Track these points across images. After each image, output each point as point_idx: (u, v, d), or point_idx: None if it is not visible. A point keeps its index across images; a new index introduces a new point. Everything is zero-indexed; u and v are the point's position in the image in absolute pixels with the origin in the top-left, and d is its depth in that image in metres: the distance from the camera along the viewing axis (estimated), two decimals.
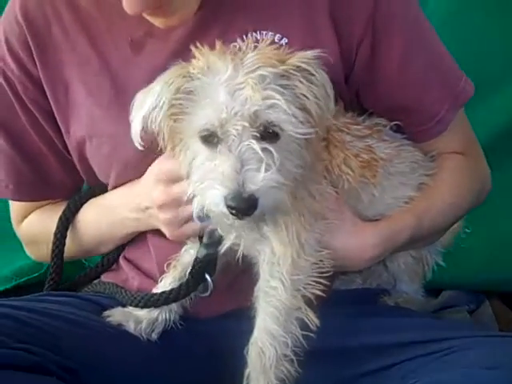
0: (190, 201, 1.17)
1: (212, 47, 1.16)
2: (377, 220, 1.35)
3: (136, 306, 1.35)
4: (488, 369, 1.09)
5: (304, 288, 1.21)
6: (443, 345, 1.20)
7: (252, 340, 1.22)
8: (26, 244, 1.63)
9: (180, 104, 1.12)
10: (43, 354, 1.16)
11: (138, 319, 1.34)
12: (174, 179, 1.26)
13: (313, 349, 1.21)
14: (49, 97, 1.42)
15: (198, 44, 1.16)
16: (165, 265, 1.36)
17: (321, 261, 1.23)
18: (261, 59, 1.10)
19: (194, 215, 1.16)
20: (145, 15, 1.33)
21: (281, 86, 1.10)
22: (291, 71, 1.11)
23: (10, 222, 1.63)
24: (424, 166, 1.40)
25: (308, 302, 1.22)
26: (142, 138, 1.15)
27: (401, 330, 1.30)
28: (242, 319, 1.27)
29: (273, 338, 1.21)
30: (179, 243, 1.36)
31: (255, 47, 1.15)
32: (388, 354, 1.26)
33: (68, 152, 1.47)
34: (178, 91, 1.12)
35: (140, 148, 1.16)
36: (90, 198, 1.49)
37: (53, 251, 1.48)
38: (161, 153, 1.26)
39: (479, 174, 1.50)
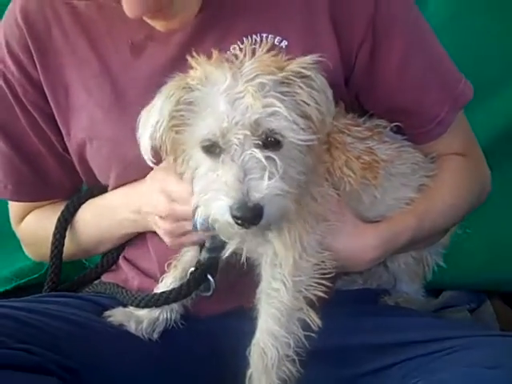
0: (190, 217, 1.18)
1: (210, 54, 1.16)
2: (378, 221, 1.35)
3: (137, 305, 1.35)
4: (489, 368, 1.09)
5: (306, 289, 1.22)
6: (444, 344, 1.20)
7: (254, 341, 1.23)
8: (25, 244, 1.63)
9: (181, 115, 1.12)
10: (43, 355, 1.16)
11: (138, 319, 1.35)
12: (178, 199, 1.27)
13: (314, 348, 1.22)
14: (49, 99, 1.42)
15: (194, 53, 1.16)
16: (165, 264, 1.36)
17: (322, 262, 1.23)
18: (259, 67, 1.10)
19: (198, 225, 1.17)
20: (145, 18, 1.33)
21: (281, 93, 1.10)
22: (291, 77, 1.11)
23: (10, 223, 1.63)
24: (424, 167, 1.40)
25: (310, 303, 1.22)
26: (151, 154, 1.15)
27: (401, 329, 1.31)
28: (242, 318, 1.27)
29: (275, 339, 1.21)
30: None
31: (253, 54, 1.15)
32: (389, 353, 1.26)
33: (68, 153, 1.47)
34: (178, 103, 1.12)
35: (151, 165, 1.16)
36: (89, 199, 1.49)
37: (52, 252, 1.48)
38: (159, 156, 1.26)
39: (479, 175, 1.50)
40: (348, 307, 1.38)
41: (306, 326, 1.21)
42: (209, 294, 1.31)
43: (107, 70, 1.37)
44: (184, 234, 1.30)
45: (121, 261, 1.52)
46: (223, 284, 1.32)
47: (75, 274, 1.57)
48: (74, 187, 1.55)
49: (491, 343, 1.19)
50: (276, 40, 1.31)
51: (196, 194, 1.14)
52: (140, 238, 1.46)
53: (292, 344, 1.21)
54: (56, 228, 1.47)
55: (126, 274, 1.49)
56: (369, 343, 1.30)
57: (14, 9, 1.41)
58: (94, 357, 1.26)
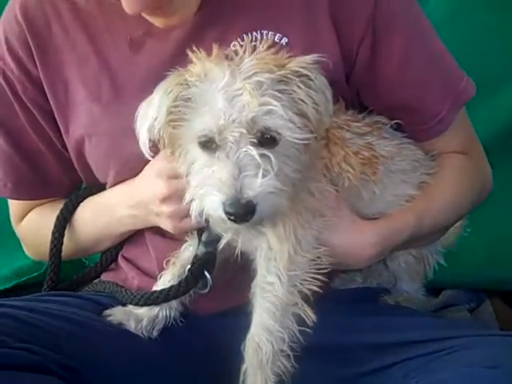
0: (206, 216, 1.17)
1: (210, 49, 1.16)
2: (377, 218, 1.35)
3: (136, 304, 1.35)
4: (489, 368, 1.09)
5: (301, 284, 1.22)
6: (444, 344, 1.20)
7: (249, 335, 1.23)
8: (24, 243, 1.63)
9: (179, 111, 1.13)
10: (44, 354, 1.16)
11: (138, 317, 1.35)
12: (175, 175, 1.26)
13: (313, 348, 1.21)
14: (48, 96, 1.42)
15: (195, 48, 1.17)
16: (164, 262, 1.36)
17: (318, 258, 1.23)
18: (258, 65, 1.11)
19: (193, 218, 1.16)
20: (144, 15, 1.33)
21: (278, 91, 1.10)
22: (289, 76, 1.11)
23: (10, 222, 1.63)
24: (425, 164, 1.40)
25: (305, 298, 1.22)
26: (150, 148, 1.16)
27: (401, 329, 1.30)
28: (240, 316, 1.27)
29: (269, 334, 1.21)
30: (178, 241, 1.36)
31: (253, 51, 1.15)
32: (389, 353, 1.26)
33: (67, 151, 1.47)
34: (176, 99, 1.12)
35: (149, 158, 1.17)
36: (88, 197, 1.49)
37: (51, 250, 1.48)
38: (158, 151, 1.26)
39: (480, 173, 1.50)
40: (348, 306, 1.38)
41: (300, 322, 1.21)
42: (206, 291, 1.32)
43: (106, 65, 1.37)
44: (188, 214, 1.28)
45: (120, 260, 1.52)
46: (221, 282, 1.33)
47: (74, 273, 1.57)
48: (74, 185, 1.55)
49: (491, 343, 1.19)
50: (276, 37, 1.31)
51: (191, 188, 1.15)
52: (139, 237, 1.46)
53: (287, 339, 1.21)
54: (55, 227, 1.47)
55: (125, 274, 1.49)
56: (369, 342, 1.30)
57: (13, 5, 1.41)
58: (94, 356, 1.25)
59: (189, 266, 1.30)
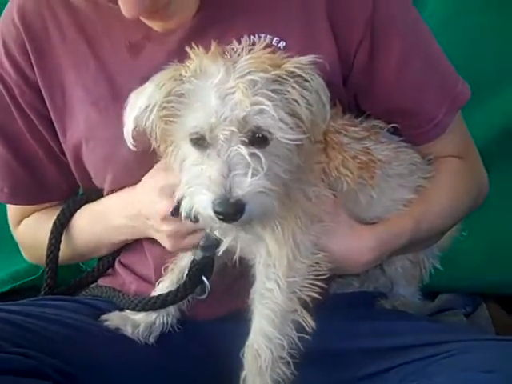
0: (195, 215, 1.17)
1: (208, 48, 1.16)
2: (374, 223, 1.35)
3: (133, 309, 1.35)
4: (485, 372, 1.09)
5: (300, 290, 1.22)
6: (441, 348, 1.20)
7: (248, 342, 1.23)
8: (22, 247, 1.63)
9: (172, 106, 1.12)
10: (40, 359, 1.16)
11: (135, 323, 1.34)
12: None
13: (310, 352, 1.21)
14: (46, 100, 1.41)
15: (194, 45, 1.17)
16: (162, 269, 1.36)
17: (317, 263, 1.23)
18: (253, 64, 1.10)
19: (183, 216, 1.16)
20: (142, 19, 1.33)
21: (272, 90, 1.09)
22: (284, 76, 1.11)
23: (7, 226, 1.63)
24: (422, 168, 1.40)
25: (304, 305, 1.22)
26: (134, 138, 1.15)
27: (398, 333, 1.31)
28: (239, 322, 1.27)
29: (268, 341, 1.21)
30: None
31: (250, 50, 1.15)
32: (385, 357, 1.26)
33: (64, 156, 1.46)
34: (169, 94, 1.12)
35: (132, 148, 1.16)
36: (85, 203, 1.49)
37: (47, 256, 1.48)
38: (157, 157, 1.26)
39: (476, 177, 1.50)
40: (345, 310, 1.38)
41: (299, 328, 1.21)
42: (204, 296, 1.31)
43: (104, 70, 1.37)
44: (188, 234, 1.29)
45: (117, 266, 1.52)
46: (219, 287, 1.32)
47: (72, 278, 1.56)
48: (71, 190, 1.54)
49: (487, 347, 1.19)
50: (274, 41, 1.31)
51: (182, 185, 1.14)
52: (136, 243, 1.45)
53: (286, 346, 1.21)
54: (51, 233, 1.47)
55: (123, 279, 1.49)
56: (366, 347, 1.30)
57: (11, 8, 1.41)
58: (90, 360, 1.25)
59: (187, 271, 1.30)
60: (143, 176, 1.35)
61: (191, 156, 1.13)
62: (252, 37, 1.30)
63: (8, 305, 1.33)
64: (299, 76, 1.11)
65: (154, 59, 1.34)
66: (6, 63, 1.41)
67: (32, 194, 1.52)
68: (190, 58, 1.16)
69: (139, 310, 1.34)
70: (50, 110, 1.42)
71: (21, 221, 1.58)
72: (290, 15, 1.33)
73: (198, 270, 1.29)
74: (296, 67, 1.11)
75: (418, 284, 1.51)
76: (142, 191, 1.35)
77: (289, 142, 1.11)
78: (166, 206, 1.27)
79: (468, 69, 1.48)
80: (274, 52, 1.16)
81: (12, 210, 1.59)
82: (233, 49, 1.16)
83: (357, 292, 1.48)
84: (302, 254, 1.22)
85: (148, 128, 1.14)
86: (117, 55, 1.37)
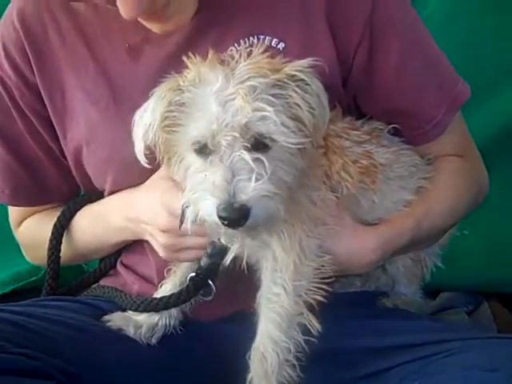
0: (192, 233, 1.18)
1: (205, 55, 1.16)
2: (376, 224, 1.35)
3: (136, 310, 1.35)
4: (487, 371, 1.09)
5: (306, 294, 1.22)
6: (442, 347, 1.21)
7: (254, 345, 1.23)
8: (24, 247, 1.63)
9: (173, 116, 1.13)
10: (43, 359, 1.16)
11: (137, 324, 1.35)
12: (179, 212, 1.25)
13: (313, 351, 1.21)
14: (46, 102, 1.42)
15: (191, 54, 1.17)
16: (164, 270, 1.36)
17: (322, 266, 1.23)
18: (253, 69, 1.10)
19: (188, 225, 1.15)
20: (141, 20, 1.33)
21: (273, 95, 1.09)
22: (285, 80, 1.11)
23: (7, 227, 1.63)
24: (422, 169, 1.40)
25: (309, 308, 1.22)
26: (146, 155, 1.16)
27: (400, 332, 1.31)
28: (242, 323, 1.27)
29: (275, 344, 1.21)
30: None
31: (248, 55, 1.15)
32: (387, 356, 1.27)
33: (65, 157, 1.47)
34: (169, 104, 1.12)
35: (146, 166, 1.16)
36: (86, 205, 1.49)
37: (49, 257, 1.48)
38: (156, 159, 1.26)
39: (477, 176, 1.50)
40: (346, 310, 1.38)
41: (305, 331, 1.22)
42: (210, 298, 1.31)
43: (104, 72, 1.37)
44: (182, 249, 1.30)
45: (119, 267, 1.52)
46: (222, 289, 1.32)
47: (73, 278, 1.57)
48: (72, 192, 1.55)
49: (489, 346, 1.19)
50: (273, 42, 1.31)
51: (186, 193, 1.14)
52: (138, 244, 1.46)
53: (292, 349, 1.21)
54: (52, 234, 1.47)
55: (125, 279, 1.49)
56: (367, 346, 1.31)
57: (11, 11, 1.41)
58: (93, 361, 1.25)
59: (192, 275, 1.30)
60: (144, 177, 1.35)
61: (195, 164, 1.13)
62: (251, 38, 1.31)
63: (10, 306, 1.33)
64: (300, 80, 1.11)
65: (153, 61, 1.35)
66: (6, 66, 1.41)
67: (33, 195, 1.52)
68: (186, 66, 1.15)
69: (141, 311, 1.34)
70: (50, 112, 1.42)
71: (22, 222, 1.59)
72: (289, 16, 1.33)
73: (204, 275, 1.29)
74: (297, 70, 1.11)
75: (419, 283, 1.52)
76: (144, 198, 1.35)
77: (291, 145, 1.11)
78: (166, 221, 1.28)
79: (467, 69, 1.48)
80: (272, 56, 1.16)
81: (13, 212, 1.60)
82: (231, 55, 1.16)
83: (358, 291, 1.48)
84: (307, 258, 1.22)
85: (153, 141, 1.15)
86: (116, 58, 1.37)
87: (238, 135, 1.07)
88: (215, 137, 1.08)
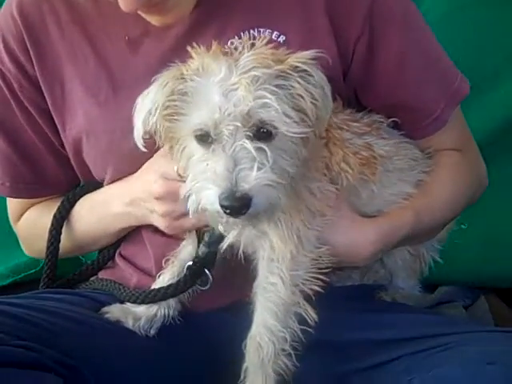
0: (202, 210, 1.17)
1: (209, 46, 1.16)
2: (376, 216, 1.35)
3: (134, 302, 1.35)
4: (486, 364, 1.10)
5: (302, 283, 1.22)
6: (440, 340, 1.21)
7: (250, 334, 1.23)
8: (22, 240, 1.64)
9: (175, 105, 1.13)
10: (41, 351, 1.15)
11: (136, 316, 1.35)
12: (173, 176, 1.26)
13: (311, 344, 1.22)
14: (45, 94, 1.42)
15: (195, 44, 1.17)
16: (162, 261, 1.36)
17: (320, 257, 1.23)
18: (256, 60, 1.11)
19: (191, 214, 1.16)
20: (141, 13, 1.33)
21: (276, 86, 1.10)
22: (288, 71, 1.11)
23: (6, 220, 1.63)
24: (422, 163, 1.41)
25: (306, 298, 1.22)
26: (144, 140, 1.16)
27: (398, 325, 1.31)
28: (239, 313, 1.28)
29: (271, 333, 1.21)
30: (176, 239, 1.37)
31: (252, 46, 1.15)
32: (385, 349, 1.27)
33: (64, 149, 1.47)
34: (172, 93, 1.12)
35: (143, 150, 1.17)
36: (85, 195, 1.49)
37: (47, 248, 1.48)
38: (157, 149, 1.26)
39: (476, 170, 1.51)
40: (345, 303, 1.39)
41: (302, 321, 1.22)
42: (206, 287, 1.32)
43: (104, 65, 1.38)
44: (183, 215, 1.30)
45: (117, 258, 1.52)
46: (220, 279, 1.33)
47: (71, 271, 1.56)
48: (71, 184, 1.55)
49: (487, 339, 1.20)
50: (274, 35, 1.31)
51: (188, 182, 1.15)
52: (136, 235, 1.46)
53: (288, 338, 1.22)
54: (52, 225, 1.48)
55: (123, 272, 1.49)
56: (365, 339, 1.31)
57: (10, 3, 1.41)
58: (92, 353, 1.25)
59: (189, 264, 1.31)
60: None
61: (197, 153, 1.13)
62: (251, 31, 1.31)
63: (9, 298, 1.33)
64: (303, 71, 1.12)
65: (152, 54, 1.35)
66: (5, 58, 1.41)
67: (33, 187, 1.53)
68: (190, 56, 1.16)
69: (140, 303, 1.35)
70: (49, 103, 1.42)
71: (21, 215, 1.59)
72: (290, 10, 1.33)
73: (201, 264, 1.30)
74: (300, 62, 1.12)
75: (417, 277, 1.52)
76: (140, 174, 1.36)
77: (294, 135, 1.11)
78: (161, 186, 1.28)
79: (465, 63, 1.48)
80: (276, 48, 1.16)
81: (12, 205, 1.60)
82: (234, 46, 1.16)
83: (356, 285, 1.49)
84: (305, 248, 1.22)
85: (153, 127, 1.15)
86: (116, 50, 1.37)
87: (239, 124, 1.07)
88: (217, 126, 1.08)
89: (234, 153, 1.07)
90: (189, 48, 1.16)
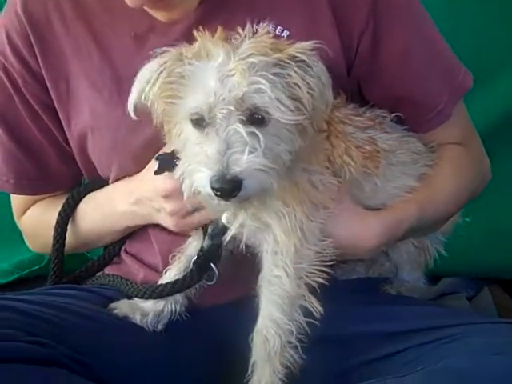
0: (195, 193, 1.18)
1: (214, 32, 1.16)
2: (379, 209, 1.36)
3: (141, 297, 1.36)
4: (492, 355, 1.10)
5: (307, 276, 1.23)
6: (447, 332, 1.22)
7: (256, 328, 1.24)
8: (26, 236, 1.64)
9: (172, 88, 1.14)
10: (53, 347, 1.16)
11: (144, 311, 1.36)
12: None
13: (317, 337, 1.22)
14: (50, 90, 1.42)
15: (201, 29, 1.17)
16: (169, 257, 1.37)
17: (324, 250, 1.24)
18: (255, 47, 1.11)
19: (185, 196, 1.17)
20: (146, 9, 1.34)
21: (273, 74, 1.10)
22: (286, 60, 1.12)
23: (10, 216, 1.63)
24: (425, 156, 1.41)
25: (311, 290, 1.23)
26: (136, 110, 1.17)
27: (404, 318, 1.32)
28: (245, 307, 1.28)
29: (277, 326, 1.22)
30: (182, 236, 1.37)
31: (254, 35, 1.15)
32: (391, 341, 1.28)
33: (69, 146, 1.47)
34: (170, 74, 1.13)
35: (134, 117, 1.17)
36: (90, 192, 1.50)
37: (53, 246, 1.49)
38: (163, 145, 1.27)
39: (478, 163, 1.52)
40: (350, 296, 1.39)
41: (307, 313, 1.22)
42: (212, 282, 1.33)
43: (109, 62, 1.38)
44: (190, 212, 1.30)
45: (123, 255, 1.53)
46: (225, 274, 1.33)
47: (77, 267, 1.57)
48: (76, 180, 1.55)
49: (493, 330, 1.21)
50: (278, 30, 1.31)
51: (182, 165, 1.16)
52: (142, 232, 1.46)
53: (294, 331, 1.22)
54: (57, 222, 1.48)
55: (129, 267, 1.50)
56: (371, 332, 1.32)
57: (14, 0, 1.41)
58: (102, 348, 1.26)
59: (194, 258, 1.31)
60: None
61: (192, 136, 1.14)
62: (256, 26, 1.31)
63: (18, 294, 1.34)
64: (302, 61, 1.12)
65: None
66: (10, 54, 1.41)
67: (37, 184, 1.53)
68: (196, 41, 1.16)
69: (147, 298, 1.35)
70: (54, 99, 1.42)
71: (25, 211, 1.59)
72: (293, 5, 1.33)
73: (206, 257, 1.30)
74: (298, 52, 1.12)
75: (422, 269, 1.52)
76: (145, 173, 1.36)
77: (288, 122, 1.11)
78: (168, 184, 1.28)
79: (468, 55, 1.49)
80: (277, 38, 1.17)
81: (16, 201, 1.60)
82: (238, 34, 1.16)
83: (361, 278, 1.49)
84: (309, 241, 1.23)
85: (151, 107, 1.16)
86: (121, 46, 1.37)
87: (233, 108, 1.08)
88: (212, 110, 1.09)
89: (227, 136, 1.08)
90: (195, 32, 1.17)
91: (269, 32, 1.17)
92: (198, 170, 1.10)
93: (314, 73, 1.12)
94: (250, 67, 1.09)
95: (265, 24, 1.29)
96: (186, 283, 1.32)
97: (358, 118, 1.31)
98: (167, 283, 1.33)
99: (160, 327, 1.36)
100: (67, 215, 1.48)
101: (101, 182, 1.48)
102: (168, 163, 1.25)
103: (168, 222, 1.35)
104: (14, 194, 1.58)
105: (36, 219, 1.58)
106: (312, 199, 1.24)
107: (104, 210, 1.46)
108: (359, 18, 1.32)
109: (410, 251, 1.47)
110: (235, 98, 1.08)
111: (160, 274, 1.38)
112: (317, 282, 1.23)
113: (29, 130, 1.47)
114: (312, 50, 1.13)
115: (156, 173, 1.28)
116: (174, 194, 1.28)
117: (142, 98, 1.15)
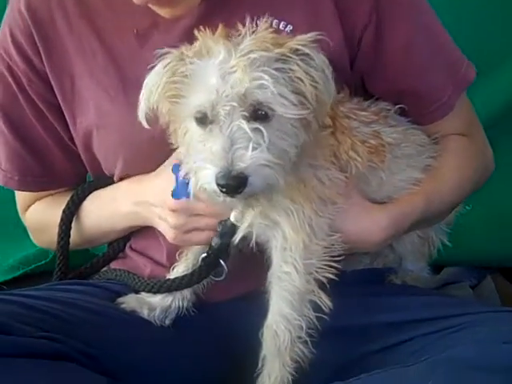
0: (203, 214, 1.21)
1: (215, 29, 1.17)
2: (385, 202, 1.37)
3: (149, 291, 1.37)
4: (497, 343, 1.11)
5: (316, 271, 1.24)
6: (453, 321, 1.23)
7: (266, 323, 1.25)
8: (31, 231, 1.64)
9: (176, 87, 1.14)
10: (64, 341, 1.18)
11: (151, 306, 1.37)
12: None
13: (323, 329, 1.24)
14: (54, 88, 1.42)
15: (202, 28, 1.17)
16: (176, 254, 1.37)
17: (332, 245, 1.25)
18: (256, 43, 1.11)
19: (191, 195, 1.18)
20: (150, 5, 1.33)
21: (275, 69, 1.10)
22: (288, 54, 1.12)
23: (14, 212, 1.64)
24: (430, 148, 1.42)
25: (320, 285, 1.24)
26: (148, 118, 1.17)
27: (410, 307, 1.33)
28: (254, 302, 1.29)
29: (287, 322, 1.23)
30: None
31: (254, 31, 1.15)
32: (398, 331, 1.29)
33: (73, 143, 1.48)
34: (173, 74, 1.13)
35: (147, 127, 1.18)
36: (94, 190, 1.50)
37: (58, 243, 1.49)
38: (168, 141, 1.27)
39: (482, 154, 1.52)
40: (356, 287, 1.40)
41: (317, 308, 1.23)
42: (221, 278, 1.33)
43: (113, 59, 1.38)
44: (193, 229, 1.32)
45: (128, 251, 1.54)
46: (234, 269, 1.34)
47: (81, 263, 1.58)
48: (80, 177, 1.56)
49: (499, 319, 1.22)
50: (281, 25, 1.32)
51: (187, 163, 1.16)
52: (148, 229, 1.46)
53: (304, 326, 1.23)
54: (61, 219, 1.48)
55: (135, 262, 1.50)
56: (378, 322, 1.33)
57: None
58: (110, 343, 1.27)
59: (203, 255, 1.32)
60: (153, 162, 1.37)
61: (196, 134, 1.15)
62: (258, 22, 1.31)
63: (27, 290, 1.35)
64: (304, 54, 1.12)
65: (161, 46, 1.33)
66: (14, 53, 1.41)
67: (42, 181, 1.53)
68: (197, 39, 1.16)
69: (155, 292, 1.36)
70: (59, 98, 1.43)
71: (29, 206, 1.60)
72: (297, 0, 1.33)
73: (215, 254, 1.31)
74: (300, 44, 1.12)
75: (426, 260, 1.54)
76: (154, 182, 1.36)
77: (291, 116, 1.11)
78: (179, 202, 1.29)
79: (469, 47, 1.48)
80: (277, 32, 1.17)
81: (20, 196, 1.61)
82: (238, 32, 1.16)
83: (367, 269, 1.50)
84: (317, 237, 1.23)
85: (157, 108, 1.16)
86: (124, 44, 1.37)
87: (236, 105, 1.09)
88: (214, 107, 1.10)
89: (231, 133, 1.08)
90: (196, 32, 1.17)
91: (269, 27, 1.17)
92: (203, 167, 1.10)
93: (317, 65, 1.12)
94: (251, 63, 1.09)
95: (267, 19, 1.29)
96: (194, 278, 1.33)
97: (362, 113, 1.31)
98: (175, 278, 1.34)
99: (168, 322, 1.37)
100: (71, 213, 1.49)
101: (105, 180, 1.48)
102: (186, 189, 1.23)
103: (167, 233, 1.35)
104: (19, 190, 1.58)
105: (40, 215, 1.59)
106: (320, 195, 1.24)
107: (108, 209, 1.47)
108: (362, 11, 1.32)
109: (414, 242, 1.48)
110: (238, 94, 1.08)
111: (167, 268, 1.39)
112: (326, 277, 1.24)
113: (33, 129, 1.47)
114: (313, 41, 1.13)
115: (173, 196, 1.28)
116: (183, 211, 1.29)
117: (150, 103, 1.16)
